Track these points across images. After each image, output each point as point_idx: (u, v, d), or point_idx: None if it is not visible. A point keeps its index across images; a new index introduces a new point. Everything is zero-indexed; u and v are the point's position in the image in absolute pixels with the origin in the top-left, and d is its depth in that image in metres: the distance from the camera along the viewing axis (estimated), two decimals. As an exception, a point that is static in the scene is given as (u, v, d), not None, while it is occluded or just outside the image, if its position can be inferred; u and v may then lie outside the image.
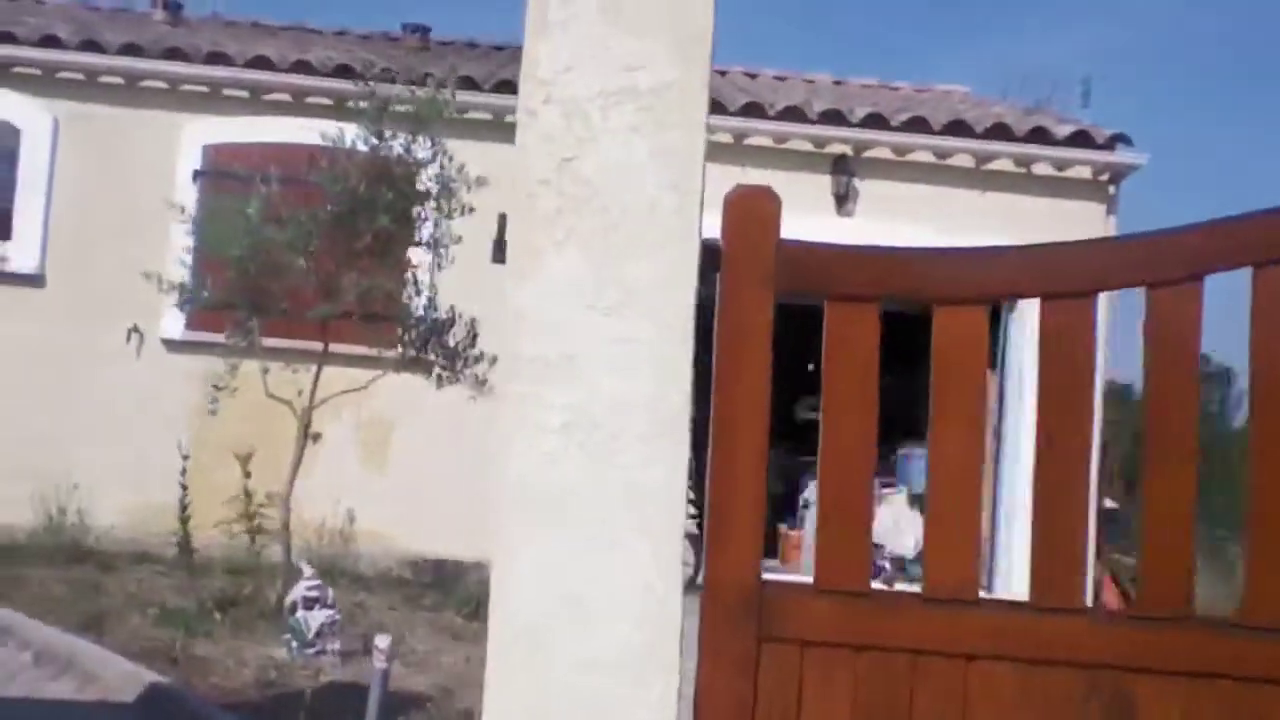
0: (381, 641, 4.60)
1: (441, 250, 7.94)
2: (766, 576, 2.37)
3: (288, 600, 6.95)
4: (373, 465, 10.56)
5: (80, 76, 10.75)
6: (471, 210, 7.92)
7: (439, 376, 7.92)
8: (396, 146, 7.72)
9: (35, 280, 10.56)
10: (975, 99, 14.08)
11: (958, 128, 11.23)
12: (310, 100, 10.88)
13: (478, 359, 7.80)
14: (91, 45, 10.60)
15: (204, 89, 10.87)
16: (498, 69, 11.27)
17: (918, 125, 11.25)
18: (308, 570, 7.01)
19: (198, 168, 10.74)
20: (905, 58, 48.24)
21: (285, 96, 10.93)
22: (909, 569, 12.22)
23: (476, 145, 8.84)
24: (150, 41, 10.96)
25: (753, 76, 13.88)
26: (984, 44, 50.49)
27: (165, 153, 10.71)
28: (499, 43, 13.94)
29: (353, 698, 5.66)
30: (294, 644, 6.66)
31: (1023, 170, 11.31)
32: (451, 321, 7.85)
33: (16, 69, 10.69)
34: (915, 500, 12.72)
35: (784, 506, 13.93)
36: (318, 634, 6.65)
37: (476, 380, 7.77)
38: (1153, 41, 51.73)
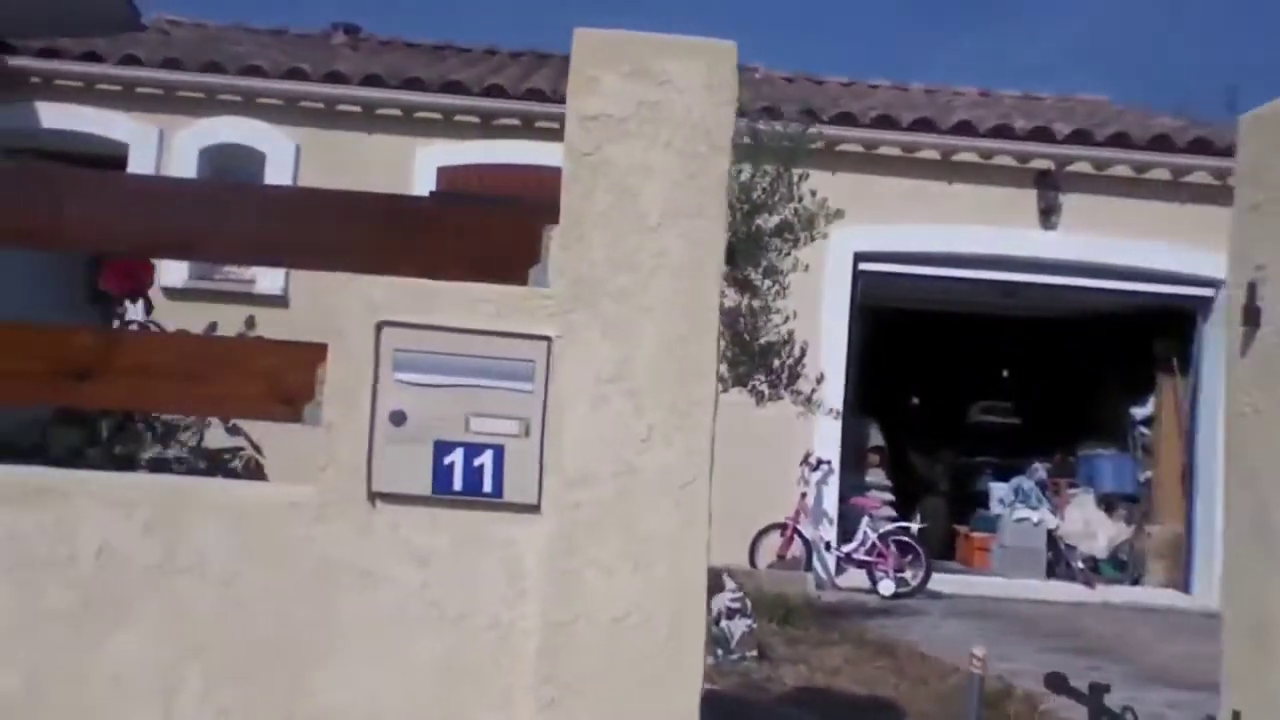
0: (979, 650, 4.95)
1: (779, 275, 8.15)
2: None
3: (713, 610, 7.31)
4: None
5: (320, 105, 11.01)
6: (824, 237, 8.27)
7: (761, 394, 8.23)
8: (760, 179, 7.94)
9: (280, 300, 10.86)
10: (1117, 108, 14.49)
11: (1160, 142, 11.61)
12: (539, 124, 11.17)
13: (803, 378, 8.18)
14: (334, 76, 10.87)
15: (437, 115, 11.14)
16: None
17: (1120, 141, 11.63)
18: (730, 584, 7.38)
19: (433, 189, 11.02)
20: (891, 52, 48.60)
21: (515, 121, 11.20)
22: (1102, 569, 12.66)
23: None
24: (319, 66, 11.25)
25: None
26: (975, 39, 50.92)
27: (400, 176, 11.00)
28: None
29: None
30: (719, 651, 7.01)
31: (1219, 183, 11.70)
32: (786, 343, 8.15)
33: (260, 99, 10.93)
34: (1101, 501, 13.15)
35: (961, 507, 14.37)
36: (739, 641, 7.04)
37: (805, 399, 8.16)
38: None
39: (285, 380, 2.38)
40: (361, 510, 2.29)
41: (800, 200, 8.00)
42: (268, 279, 10.85)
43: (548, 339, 2.28)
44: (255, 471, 3.52)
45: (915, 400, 16.25)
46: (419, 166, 11.12)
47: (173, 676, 2.28)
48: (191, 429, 3.61)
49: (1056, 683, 4.02)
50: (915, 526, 11.32)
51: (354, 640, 2.29)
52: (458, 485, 2.28)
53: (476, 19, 47.83)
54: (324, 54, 12.18)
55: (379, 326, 2.28)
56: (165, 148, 10.91)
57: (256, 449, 3.70)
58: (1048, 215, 11.74)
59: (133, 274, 3.17)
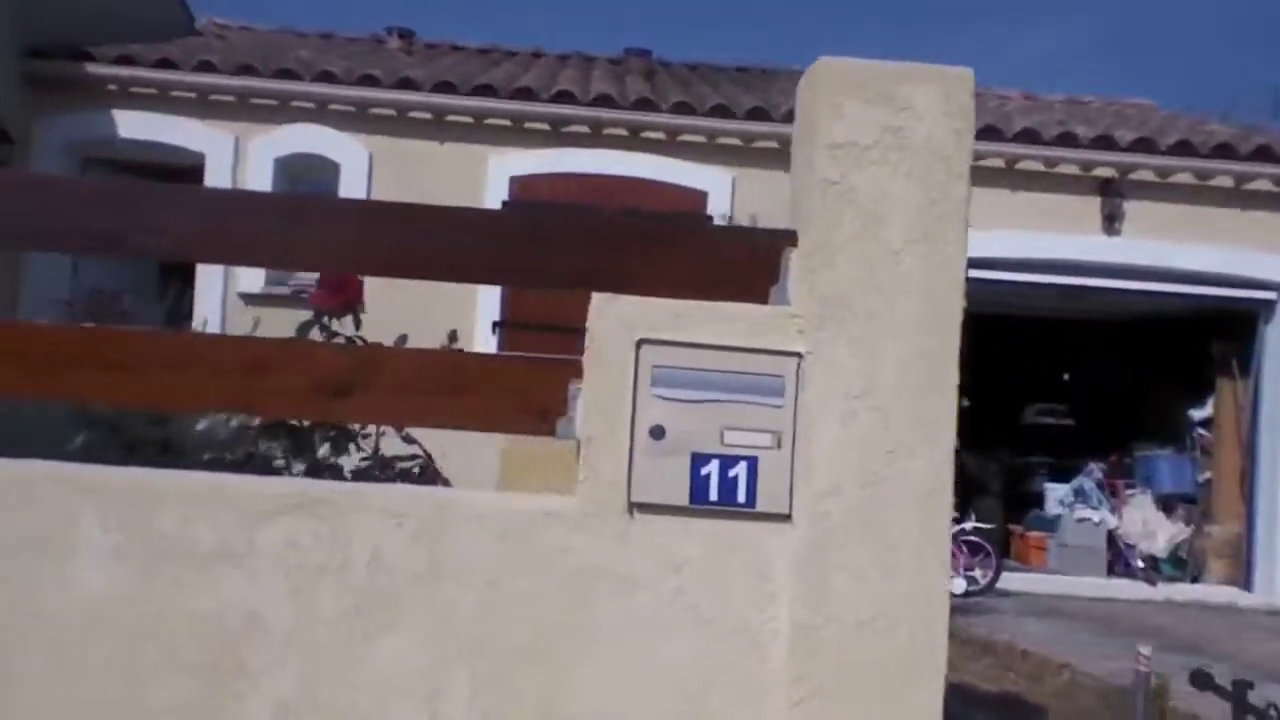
0: (1144, 649, 5.03)
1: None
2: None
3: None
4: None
5: (392, 112, 11.14)
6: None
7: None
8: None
9: (355, 308, 10.97)
10: (1164, 113, 14.55)
11: (1223, 150, 11.68)
12: (607, 131, 11.29)
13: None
14: (406, 82, 11.00)
15: (507, 122, 11.26)
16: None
17: (1182, 149, 11.70)
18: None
19: (505, 198, 11.15)
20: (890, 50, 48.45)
21: (584, 128, 11.32)
22: (1162, 568, 12.74)
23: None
24: (389, 72, 11.39)
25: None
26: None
27: (472, 183, 11.14)
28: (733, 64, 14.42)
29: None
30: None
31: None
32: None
33: (333, 106, 11.06)
34: (1159, 501, 13.22)
35: (1013, 507, 14.44)
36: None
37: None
38: None
39: (537, 395, 2.50)
40: (620, 520, 2.40)
41: None
42: (342, 285, 10.98)
43: (798, 356, 2.39)
44: (434, 478, 3.64)
45: (966, 402, 16.30)
46: (491, 175, 11.24)
47: (438, 679, 2.40)
48: (369, 437, 3.74)
49: (1202, 680, 4.12)
50: (971, 525, 11.43)
51: (610, 643, 2.40)
52: (713, 496, 2.39)
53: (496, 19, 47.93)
54: (382, 59, 12.32)
55: (638, 344, 2.40)
56: (240, 157, 11.05)
57: (429, 457, 3.83)
58: (1111, 221, 11.83)
59: (343, 290, 3.29)
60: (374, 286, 9.92)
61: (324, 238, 2.49)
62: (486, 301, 10.92)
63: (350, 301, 3.35)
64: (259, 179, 10.98)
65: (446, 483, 3.59)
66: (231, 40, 13.42)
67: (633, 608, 2.40)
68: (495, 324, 10.97)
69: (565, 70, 12.99)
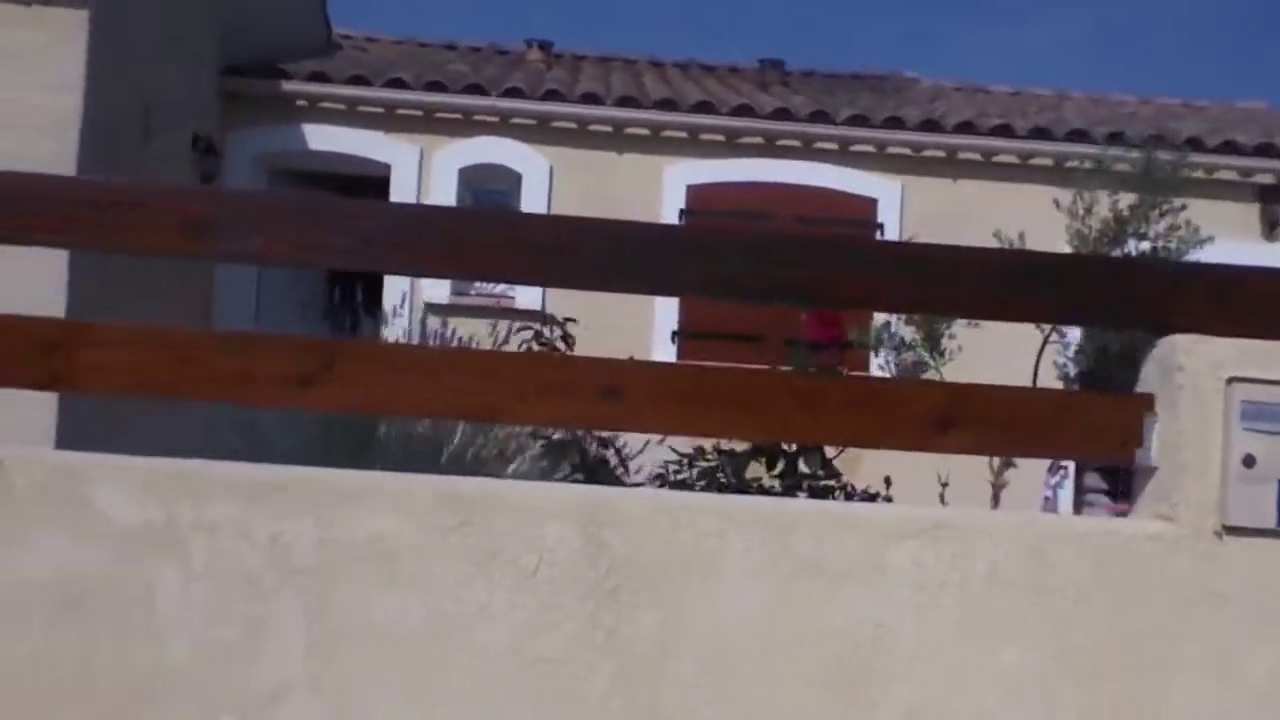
0: None
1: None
2: None
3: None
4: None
5: (573, 125, 11.43)
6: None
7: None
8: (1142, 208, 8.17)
9: (537, 315, 11.26)
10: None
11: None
12: (780, 143, 11.54)
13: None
14: (589, 97, 11.28)
15: (684, 134, 11.52)
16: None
17: (1347, 153, 11.83)
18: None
19: (682, 207, 11.42)
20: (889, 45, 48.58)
21: (758, 139, 11.56)
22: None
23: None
24: (569, 87, 11.68)
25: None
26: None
27: (649, 193, 11.41)
28: (851, 71, 14.65)
29: None
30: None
31: None
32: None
33: (514, 119, 11.37)
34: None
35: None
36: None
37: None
38: None
39: (1118, 427, 2.73)
40: (1210, 541, 2.64)
41: (1178, 228, 8.29)
42: (526, 295, 11.28)
43: (1379, 389, 2.62)
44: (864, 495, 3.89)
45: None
46: (667, 184, 11.51)
47: (1048, 686, 2.64)
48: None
49: None
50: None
51: (1200, 655, 2.64)
52: (1300, 519, 2.63)
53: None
54: (527, 71, 12.63)
55: (1228, 382, 2.63)
56: (425, 168, 11.38)
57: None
58: (1272, 228, 11.96)
59: (833, 324, 3.54)
60: (563, 297, 10.21)
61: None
62: (664, 312, 11.18)
63: (838, 336, 3.60)
64: (443, 189, 11.31)
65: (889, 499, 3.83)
66: (375, 52, 13.77)
67: (1222, 622, 2.64)
68: (674, 334, 11.24)
69: (714, 81, 13.27)
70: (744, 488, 3.44)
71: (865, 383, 2.66)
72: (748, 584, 2.61)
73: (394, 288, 11.24)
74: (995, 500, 6.64)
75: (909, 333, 6.89)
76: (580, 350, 10.49)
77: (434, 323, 11.25)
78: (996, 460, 7.08)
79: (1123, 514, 10.21)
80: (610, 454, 3.94)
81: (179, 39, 9.72)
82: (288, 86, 11.16)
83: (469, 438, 5.75)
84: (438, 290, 11.14)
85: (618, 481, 3.82)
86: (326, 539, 2.53)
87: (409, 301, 11.29)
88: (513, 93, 11.29)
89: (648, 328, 11.02)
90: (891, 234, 11.52)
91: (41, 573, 2.50)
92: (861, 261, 2.61)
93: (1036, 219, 10.55)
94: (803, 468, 3.51)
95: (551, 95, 11.30)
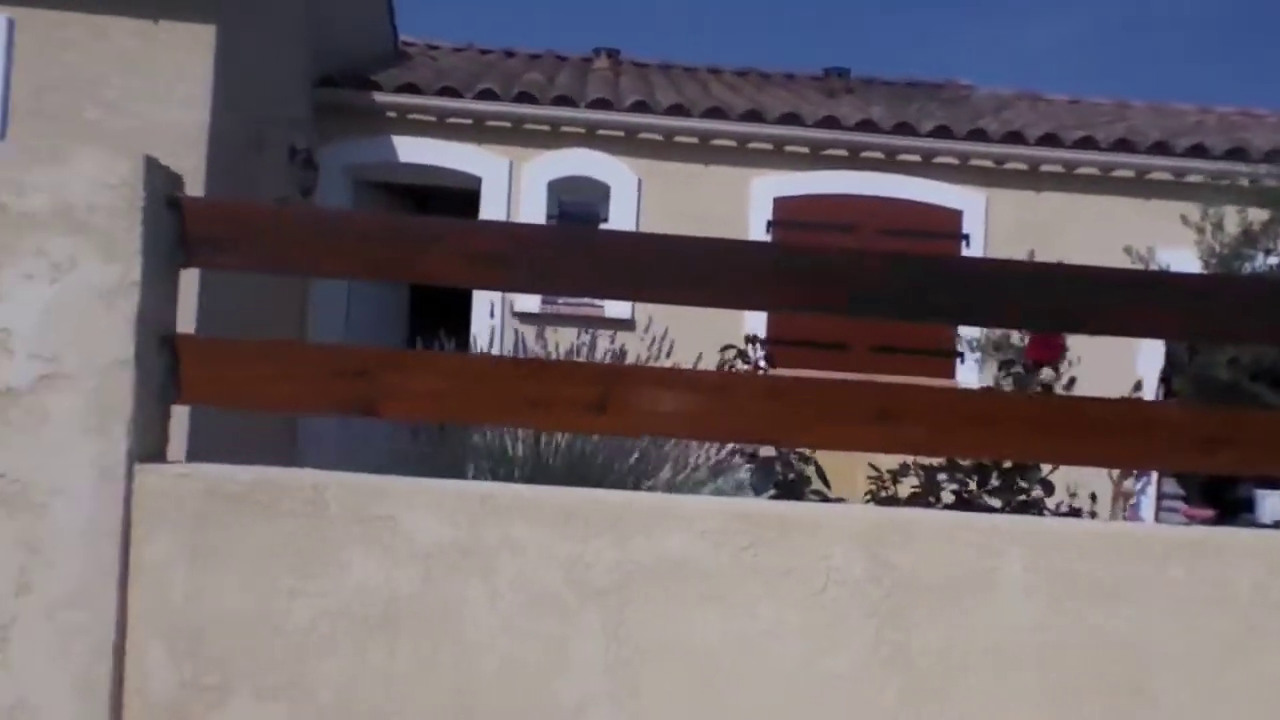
0: None
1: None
2: None
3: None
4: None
5: (659, 137, 11.52)
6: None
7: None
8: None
9: (627, 324, 11.37)
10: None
11: None
12: (864, 155, 11.61)
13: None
14: (676, 109, 11.37)
15: (769, 146, 11.60)
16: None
17: None
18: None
19: (769, 218, 11.49)
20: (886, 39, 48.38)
21: (843, 151, 11.64)
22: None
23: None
24: (655, 101, 11.76)
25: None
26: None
27: (736, 204, 11.50)
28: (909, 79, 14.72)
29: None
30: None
31: None
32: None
33: (601, 131, 11.47)
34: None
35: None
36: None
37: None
38: None
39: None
40: None
41: None
42: (615, 305, 11.39)
43: None
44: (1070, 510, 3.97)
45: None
46: (754, 196, 11.59)
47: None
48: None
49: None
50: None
51: None
52: None
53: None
54: (590, 77, 12.74)
55: None
56: (515, 180, 11.50)
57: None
58: None
59: (1051, 346, 3.62)
60: (651, 306, 10.16)
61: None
62: (752, 320, 11.25)
63: (1055, 357, 3.68)
64: (533, 201, 11.41)
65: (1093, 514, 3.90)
66: (441, 60, 13.89)
67: None
68: (760, 340, 11.29)
69: (783, 90, 13.35)
70: (969, 503, 3.52)
71: (1136, 406, 2.73)
72: (1026, 600, 2.70)
73: (484, 296, 11.38)
74: (1123, 509, 6.69)
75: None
76: (678, 356, 10.53)
77: (526, 331, 11.40)
78: (1116, 471, 7.14)
79: (1199, 520, 10.37)
80: (811, 470, 4.02)
81: (281, 51, 9.87)
82: (379, 98, 11.28)
83: (660, 456, 5.89)
84: (529, 300, 11.25)
85: (822, 498, 3.89)
86: (624, 559, 2.63)
87: (499, 311, 11.42)
88: (600, 104, 11.38)
89: (735, 336, 11.08)
90: (977, 247, 11.58)
91: (354, 593, 2.61)
92: (1140, 292, 2.69)
93: (1121, 231, 10.64)
94: (1019, 482, 3.60)
95: (639, 107, 11.39)
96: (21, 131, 7.69)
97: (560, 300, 11.57)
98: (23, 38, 7.77)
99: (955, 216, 11.64)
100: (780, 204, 11.56)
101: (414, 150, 11.53)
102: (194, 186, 7.72)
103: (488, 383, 2.70)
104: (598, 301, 11.60)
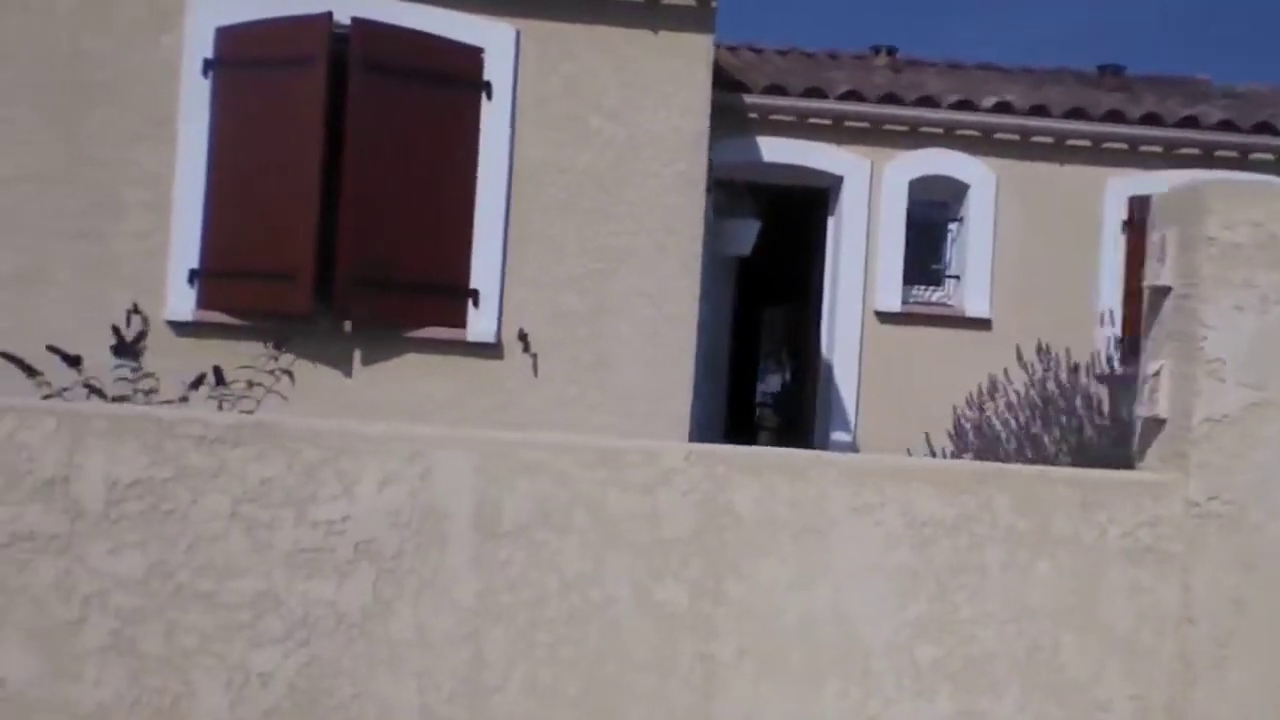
0: None
1: None
2: None
3: None
4: None
5: (1015, 137, 11.78)
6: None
7: None
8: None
9: (985, 324, 11.67)
10: None
11: None
12: (1219, 154, 11.77)
13: None
14: (1038, 110, 11.63)
15: (1124, 145, 11.80)
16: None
17: None
18: None
19: (1124, 219, 11.69)
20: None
21: (1195, 150, 11.81)
22: None
23: None
24: (1020, 98, 11.99)
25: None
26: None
27: (1091, 205, 11.73)
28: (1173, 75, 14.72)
29: None
30: None
31: None
32: None
33: (959, 131, 11.75)
34: None
35: None
36: None
37: None
38: None
39: None
40: None
41: None
42: (975, 304, 11.68)
43: None
44: None
45: None
46: (1109, 196, 11.81)
47: None
48: None
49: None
50: None
51: None
52: None
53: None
54: (868, 75, 12.95)
55: None
56: (876, 179, 11.82)
57: None
58: None
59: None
60: (1010, 304, 10.27)
61: None
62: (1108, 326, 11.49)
63: None
64: (894, 200, 11.74)
65: None
66: (743, 59, 14.20)
67: None
68: (1118, 340, 11.53)
69: (1067, 84, 13.47)
70: None
71: None
72: None
73: (846, 293, 11.71)
74: None
75: None
76: (1003, 349, 10.70)
77: (885, 332, 11.76)
78: None
79: None
80: None
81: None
82: (749, 100, 11.65)
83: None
84: (889, 298, 11.60)
85: None
86: None
87: (858, 309, 11.76)
88: (963, 105, 11.66)
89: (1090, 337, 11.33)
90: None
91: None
92: None
93: None
94: None
95: (1002, 108, 11.66)
96: (530, 137, 8.17)
97: (920, 300, 11.89)
98: (526, 46, 8.22)
99: None
100: (1135, 204, 11.74)
101: (777, 150, 11.88)
102: (696, 196, 8.16)
103: None
104: (953, 300, 11.91)
